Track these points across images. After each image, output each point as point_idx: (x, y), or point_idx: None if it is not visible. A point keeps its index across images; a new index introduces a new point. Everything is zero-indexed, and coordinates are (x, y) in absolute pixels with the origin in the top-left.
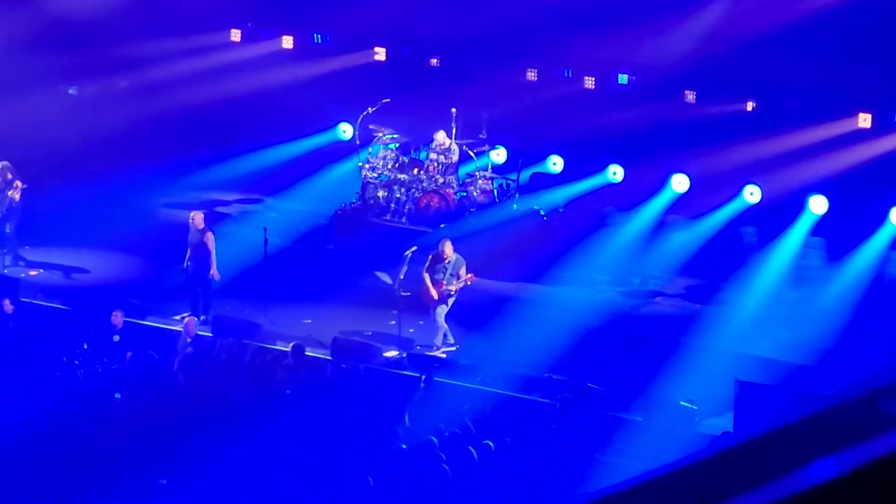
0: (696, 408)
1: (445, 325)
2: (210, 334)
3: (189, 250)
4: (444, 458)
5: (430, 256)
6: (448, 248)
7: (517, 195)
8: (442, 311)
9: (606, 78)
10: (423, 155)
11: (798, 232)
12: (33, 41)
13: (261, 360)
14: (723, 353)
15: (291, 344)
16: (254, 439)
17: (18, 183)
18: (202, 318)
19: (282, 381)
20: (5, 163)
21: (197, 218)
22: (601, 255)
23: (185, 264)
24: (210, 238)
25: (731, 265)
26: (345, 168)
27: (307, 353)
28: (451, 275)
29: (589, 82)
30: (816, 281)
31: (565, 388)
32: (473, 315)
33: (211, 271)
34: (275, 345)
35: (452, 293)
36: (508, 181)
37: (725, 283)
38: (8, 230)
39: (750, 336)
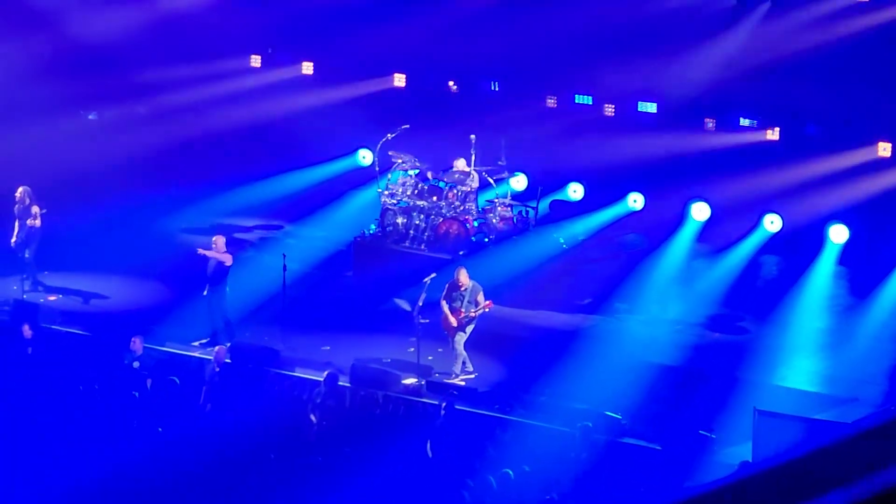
0: (714, 436)
1: (464, 353)
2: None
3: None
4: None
5: (447, 285)
6: (464, 276)
7: (534, 222)
8: (461, 338)
9: (627, 105)
10: (441, 183)
11: (825, 263)
12: (53, 66)
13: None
14: (743, 382)
15: (326, 372)
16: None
17: (37, 209)
18: (227, 345)
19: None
20: (25, 187)
21: (219, 242)
22: (622, 283)
23: (204, 291)
24: (228, 258)
25: (753, 294)
26: (364, 195)
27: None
28: (468, 302)
29: (609, 109)
30: (842, 311)
31: (585, 417)
32: (492, 343)
33: (202, 251)
34: (293, 371)
35: (471, 320)
36: (528, 208)
37: (747, 313)
38: (27, 255)
39: (771, 366)
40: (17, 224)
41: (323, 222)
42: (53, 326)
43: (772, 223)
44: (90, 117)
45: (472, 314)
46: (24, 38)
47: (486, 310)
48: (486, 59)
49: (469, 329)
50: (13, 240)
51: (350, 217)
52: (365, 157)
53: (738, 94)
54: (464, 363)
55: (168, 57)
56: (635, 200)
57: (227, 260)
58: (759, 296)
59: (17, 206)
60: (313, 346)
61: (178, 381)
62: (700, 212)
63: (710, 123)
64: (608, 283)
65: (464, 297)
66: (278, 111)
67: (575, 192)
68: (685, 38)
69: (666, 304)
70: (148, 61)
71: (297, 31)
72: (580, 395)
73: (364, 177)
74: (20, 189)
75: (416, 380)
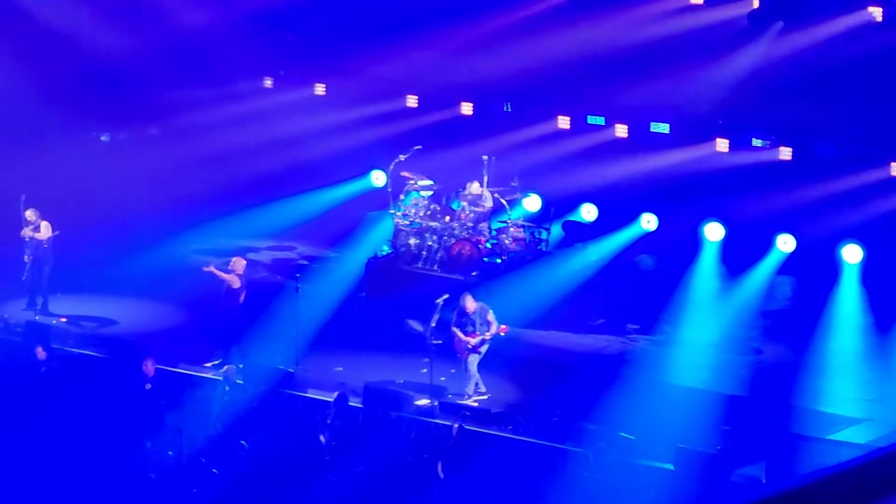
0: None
1: (477, 374)
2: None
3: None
4: None
5: (455, 312)
6: (469, 302)
7: (547, 243)
8: (474, 359)
9: (639, 126)
10: (455, 204)
11: (848, 284)
12: (65, 88)
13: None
14: (754, 402)
15: (336, 393)
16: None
17: (47, 227)
18: (240, 366)
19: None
20: (33, 209)
21: (237, 265)
22: (635, 303)
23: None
24: (235, 280)
25: (769, 316)
26: (377, 215)
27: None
28: (480, 325)
29: (621, 130)
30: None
31: (598, 437)
32: (505, 364)
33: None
34: (306, 392)
35: (486, 341)
36: (541, 229)
37: (762, 334)
38: (26, 277)
39: (781, 385)
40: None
41: (336, 243)
42: (66, 348)
43: (785, 243)
44: (102, 139)
45: (487, 336)
46: (37, 59)
47: (502, 334)
48: (498, 80)
49: (483, 350)
50: (27, 257)
51: (363, 238)
52: (378, 178)
53: (751, 114)
54: (476, 384)
55: (180, 78)
56: (649, 221)
57: (234, 282)
58: (777, 317)
59: (27, 226)
60: (326, 367)
61: (191, 404)
62: (713, 232)
63: (722, 143)
64: (621, 303)
65: (475, 321)
66: (291, 132)
67: (588, 212)
68: (697, 57)
69: (680, 324)
70: (161, 83)
71: (309, 52)
72: (593, 415)
73: (377, 198)
74: (29, 210)
75: (428, 401)
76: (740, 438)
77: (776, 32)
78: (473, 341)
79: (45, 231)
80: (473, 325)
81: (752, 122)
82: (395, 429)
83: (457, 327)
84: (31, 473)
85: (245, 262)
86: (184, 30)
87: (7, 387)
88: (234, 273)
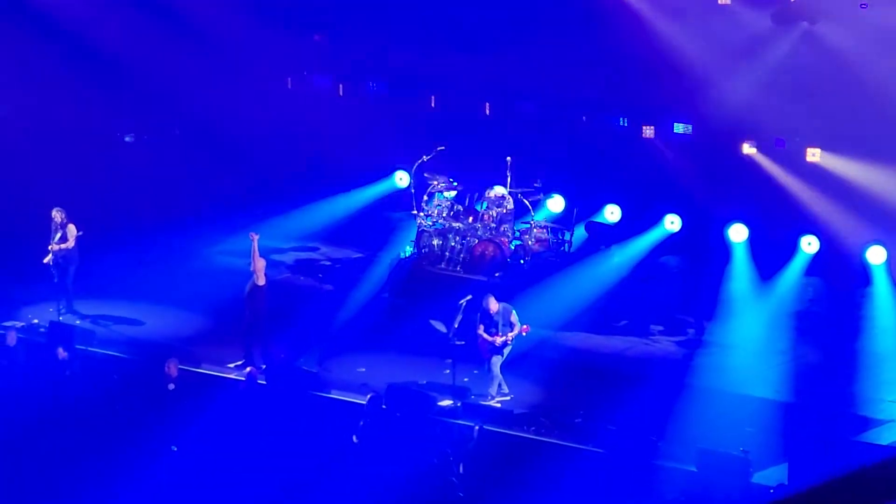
0: (748, 454)
1: (500, 375)
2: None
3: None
4: None
5: (479, 314)
6: (493, 303)
7: (570, 244)
8: (497, 360)
9: (663, 127)
10: (480, 205)
11: (881, 285)
12: (90, 89)
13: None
14: (777, 403)
15: (369, 395)
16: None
17: (73, 229)
18: (263, 366)
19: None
20: (59, 209)
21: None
22: (658, 304)
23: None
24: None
25: (788, 314)
26: (400, 216)
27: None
28: (504, 325)
29: (648, 131)
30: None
31: (620, 438)
32: (528, 365)
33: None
34: (329, 393)
35: (508, 342)
36: (564, 230)
37: (785, 334)
38: (65, 277)
39: (805, 387)
40: (52, 244)
41: (359, 244)
42: (90, 349)
43: (809, 244)
44: (127, 139)
45: (510, 337)
46: (61, 59)
47: (524, 334)
48: (522, 80)
49: (506, 352)
50: (47, 258)
51: (386, 239)
52: (402, 178)
53: (777, 115)
54: (500, 385)
55: (204, 80)
56: (672, 222)
57: (260, 279)
58: (803, 319)
59: (54, 227)
60: (349, 368)
61: (214, 405)
62: (738, 233)
63: (747, 145)
64: (645, 305)
65: (497, 322)
66: (314, 133)
67: (612, 213)
68: (722, 59)
69: (704, 326)
70: (183, 84)
71: (331, 52)
72: (615, 416)
73: (400, 199)
74: (54, 210)
75: (451, 402)
76: (763, 439)
77: (800, 33)
78: (499, 340)
79: (72, 232)
80: (496, 326)
81: (777, 123)
82: (419, 430)
83: (482, 327)
84: (56, 475)
85: (264, 262)
86: (208, 31)
87: (32, 388)
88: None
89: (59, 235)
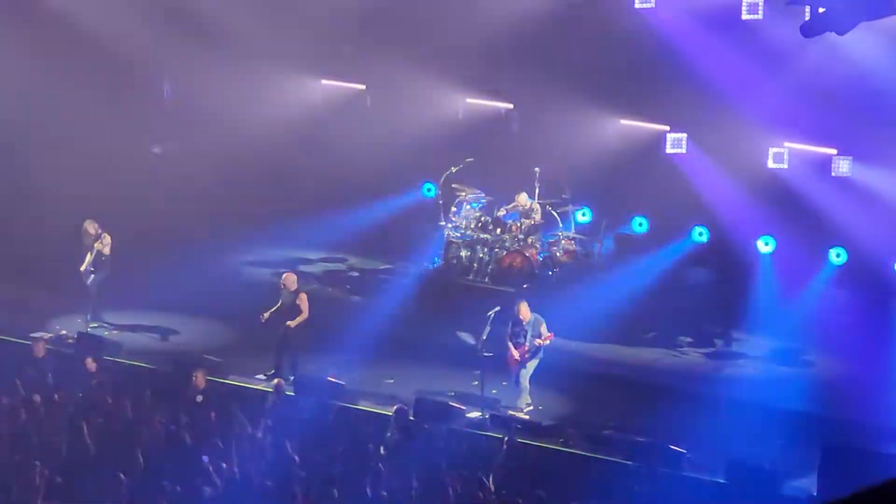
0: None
1: (528, 386)
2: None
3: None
4: None
5: (510, 322)
6: (524, 310)
7: (598, 255)
8: (525, 373)
9: (692, 136)
10: (510, 216)
11: None
12: (116, 98)
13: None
14: (806, 414)
15: (395, 407)
16: None
17: (108, 238)
18: (291, 378)
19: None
20: (91, 220)
21: (289, 280)
22: (686, 316)
23: (262, 316)
24: (304, 299)
25: (816, 326)
26: (428, 227)
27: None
28: (532, 336)
29: (675, 141)
30: None
31: (648, 450)
32: (557, 376)
33: (291, 323)
34: (357, 405)
35: (534, 354)
36: (592, 241)
37: (813, 346)
38: (92, 286)
39: (834, 398)
40: (89, 256)
41: (386, 255)
42: (118, 359)
43: (837, 256)
44: (154, 150)
45: (538, 343)
46: (90, 69)
47: (546, 342)
48: (550, 90)
49: (532, 364)
50: (83, 267)
51: (414, 250)
52: (430, 189)
53: (807, 125)
54: (528, 396)
55: (232, 89)
56: (700, 233)
57: (304, 303)
58: (830, 330)
59: (86, 237)
60: (377, 380)
61: (240, 415)
62: (766, 245)
63: (775, 155)
64: (673, 316)
65: (527, 331)
66: (342, 144)
67: (640, 225)
68: (750, 68)
69: (733, 337)
70: (211, 93)
71: (362, 62)
72: (644, 427)
73: (428, 210)
74: (87, 222)
75: (480, 413)
76: (792, 451)
77: (830, 42)
78: (516, 355)
79: (107, 242)
80: (525, 336)
81: (806, 132)
82: (447, 442)
83: (511, 338)
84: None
85: (295, 276)
86: (231, 40)
87: (60, 399)
88: (286, 287)
89: (96, 247)
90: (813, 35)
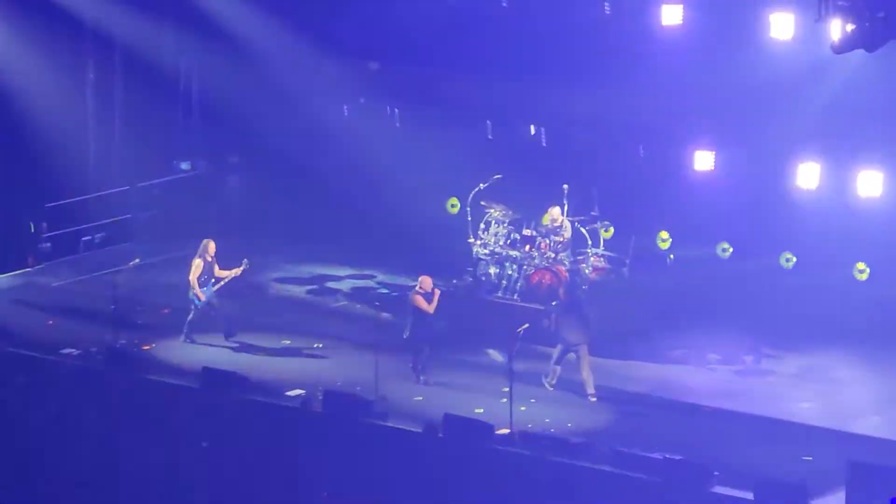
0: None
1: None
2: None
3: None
4: None
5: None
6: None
7: (627, 272)
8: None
9: (718, 154)
10: (540, 232)
11: None
12: (147, 116)
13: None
14: (835, 431)
15: (424, 425)
16: None
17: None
18: (319, 395)
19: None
20: (209, 241)
21: (426, 283)
22: (715, 332)
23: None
24: (436, 294)
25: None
26: (457, 244)
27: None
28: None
29: (701, 159)
30: None
31: (677, 467)
32: (585, 393)
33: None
34: (386, 422)
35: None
36: (620, 258)
37: (836, 361)
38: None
39: (863, 414)
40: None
41: (415, 271)
42: (148, 376)
43: (861, 272)
44: (183, 167)
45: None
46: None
47: None
48: (578, 108)
49: None
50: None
51: (442, 267)
52: (455, 205)
53: (839, 141)
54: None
55: (260, 107)
56: (725, 249)
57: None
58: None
59: (203, 257)
60: (406, 397)
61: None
62: (788, 261)
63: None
64: (701, 333)
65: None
66: (369, 160)
67: (664, 240)
68: (779, 87)
69: (758, 353)
70: (240, 111)
71: (386, 80)
72: (673, 445)
73: (457, 227)
74: (210, 242)
75: (508, 430)
76: (821, 467)
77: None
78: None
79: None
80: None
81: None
82: (475, 459)
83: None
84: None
85: (431, 279)
86: (262, 59)
87: (89, 416)
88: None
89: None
90: (843, 52)
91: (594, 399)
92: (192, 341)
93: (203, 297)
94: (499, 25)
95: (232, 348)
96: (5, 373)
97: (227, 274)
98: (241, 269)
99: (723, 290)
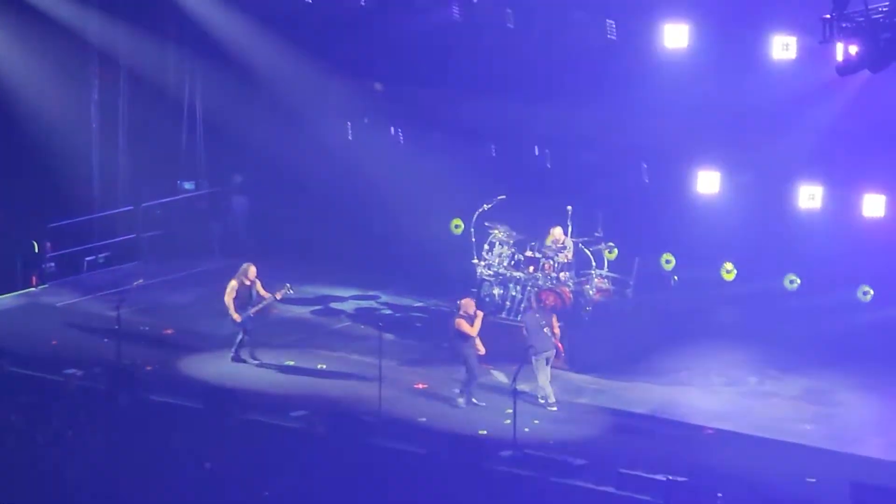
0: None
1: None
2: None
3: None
4: None
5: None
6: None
7: (631, 294)
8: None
9: (723, 177)
10: (544, 254)
11: None
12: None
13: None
14: (838, 453)
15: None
16: None
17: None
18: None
19: None
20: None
21: (469, 306)
22: (718, 353)
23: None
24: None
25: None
26: (460, 265)
27: None
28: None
29: (705, 181)
30: None
31: (681, 489)
32: (588, 413)
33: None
34: (388, 443)
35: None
36: (624, 280)
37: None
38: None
39: (866, 436)
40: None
41: (418, 292)
42: (150, 396)
43: (865, 294)
44: (187, 186)
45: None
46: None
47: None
48: (582, 130)
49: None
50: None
51: (446, 287)
52: (459, 226)
53: (841, 164)
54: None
55: (267, 126)
56: (728, 270)
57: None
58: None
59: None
60: (409, 417)
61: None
62: (792, 283)
63: (807, 194)
64: (705, 354)
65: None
66: (374, 180)
67: (668, 262)
68: (782, 109)
69: (763, 375)
70: (248, 131)
71: (391, 100)
72: (675, 467)
73: (460, 247)
74: (251, 267)
75: (511, 451)
76: (825, 489)
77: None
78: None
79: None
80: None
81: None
82: (478, 480)
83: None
84: None
85: (474, 300)
86: (268, 78)
87: (92, 436)
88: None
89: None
90: (848, 74)
91: (553, 409)
92: (241, 360)
93: (239, 319)
94: (504, 47)
95: (235, 368)
96: (9, 392)
97: (268, 297)
98: (283, 293)
99: (727, 312)
